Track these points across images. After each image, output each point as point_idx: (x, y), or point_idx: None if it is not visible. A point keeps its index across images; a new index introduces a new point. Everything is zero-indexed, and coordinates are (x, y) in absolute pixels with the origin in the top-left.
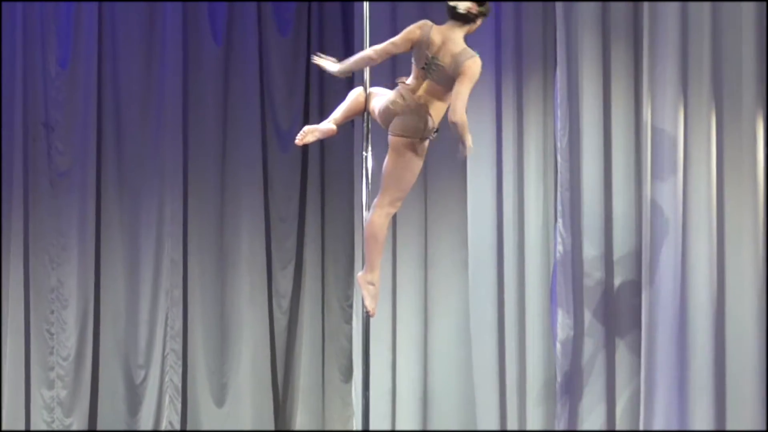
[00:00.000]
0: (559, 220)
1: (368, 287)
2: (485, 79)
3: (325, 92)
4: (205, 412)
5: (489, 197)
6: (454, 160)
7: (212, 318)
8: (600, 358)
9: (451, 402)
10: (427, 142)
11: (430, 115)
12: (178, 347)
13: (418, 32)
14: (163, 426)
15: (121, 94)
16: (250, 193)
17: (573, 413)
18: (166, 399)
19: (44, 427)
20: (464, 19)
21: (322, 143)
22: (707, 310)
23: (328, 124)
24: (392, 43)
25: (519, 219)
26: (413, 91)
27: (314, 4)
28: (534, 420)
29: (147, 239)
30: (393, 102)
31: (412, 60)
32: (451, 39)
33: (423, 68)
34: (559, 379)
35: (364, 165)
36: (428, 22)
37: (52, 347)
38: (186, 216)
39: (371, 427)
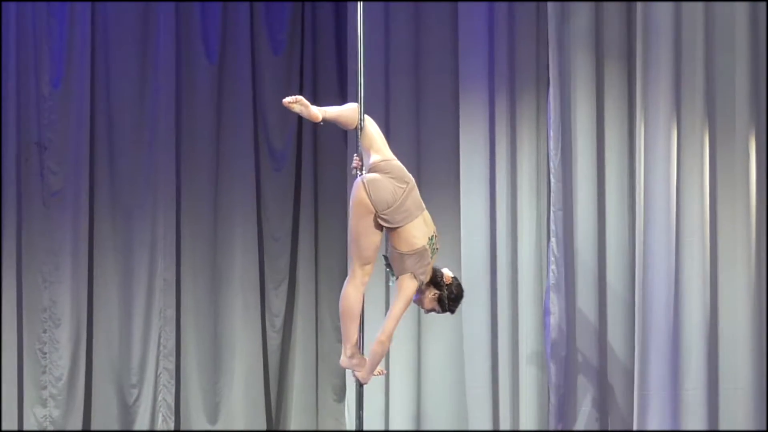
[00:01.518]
0: (552, 240)
1: (352, 363)
2: (478, 98)
3: None
4: (199, 430)
5: (482, 217)
6: (447, 179)
7: (205, 337)
8: (593, 380)
9: (443, 423)
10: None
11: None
12: (171, 366)
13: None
14: None
15: (113, 114)
16: (243, 212)
17: None
18: (159, 418)
19: None
20: (437, 286)
21: (315, 162)
22: (700, 329)
23: (317, 110)
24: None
25: (512, 239)
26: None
27: (307, 23)
28: None
29: (140, 258)
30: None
31: None
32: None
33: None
34: (552, 399)
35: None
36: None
37: (45, 366)
38: (179, 235)
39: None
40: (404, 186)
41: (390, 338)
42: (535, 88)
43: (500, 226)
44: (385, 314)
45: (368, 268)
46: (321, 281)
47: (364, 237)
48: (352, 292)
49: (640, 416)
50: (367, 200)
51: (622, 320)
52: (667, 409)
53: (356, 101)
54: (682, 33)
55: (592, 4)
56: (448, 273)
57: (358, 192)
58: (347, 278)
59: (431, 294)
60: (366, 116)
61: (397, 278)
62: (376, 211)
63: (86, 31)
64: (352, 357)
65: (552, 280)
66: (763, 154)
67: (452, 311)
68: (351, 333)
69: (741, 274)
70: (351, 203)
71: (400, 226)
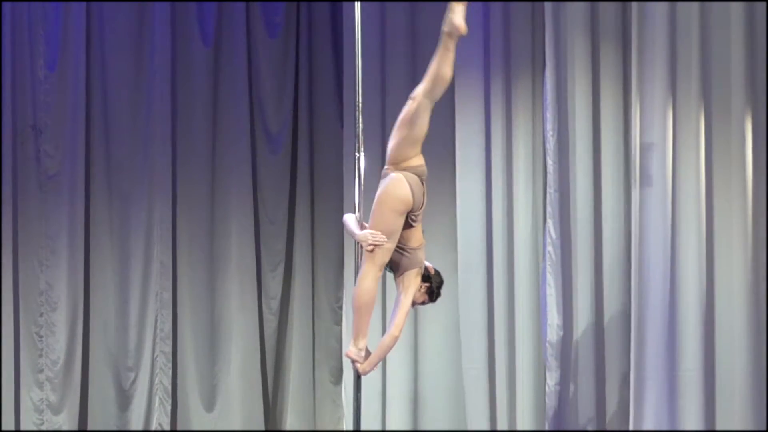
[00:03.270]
0: (549, 222)
1: (361, 355)
2: (474, 81)
3: (314, 94)
4: (195, 414)
5: (478, 199)
6: (443, 162)
7: (202, 320)
8: (589, 359)
9: (440, 403)
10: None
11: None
12: (168, 349)
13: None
14: (154, 427)
15: (109, 97)
16: (239, 195)
17: (562, 413)
18: (156, 401)
19: (34, 429)
20: (425, 279)
21: (311, 145)
22: (696, 310)
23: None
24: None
25: (508, 221)
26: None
27: (303, 6)
28: (524, 420)
29: (136, 242)
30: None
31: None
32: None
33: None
34: (548, 380)
35: (357, 166)
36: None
37: (42, 350)
38: (175, 218)
39: (362, 428)
40: (424, 184)
41: (401, 332)
42: (530, 70)
43: (496, 208)
44: (392, 311)
45: (382, 264)
46: (318, 264)
47: (395, 234)
48: (370, 286)
49: (637, 397)
50: (410, 198)
51: (619, 302)
52: (663, 390)
53: (353, 85)
54: (677, 15)
55: None
56: (429, 264)
57: (400, 190)
58: (361, 273)
59: (422, 288)
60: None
61: (400, 275)
62: (413, 210)
63: (82, 15)
64: (362, 350)
65: (548, 262)
66: (759, 135)
67: (436, 300)
68: (365, 327)
69: (737, 256)
70: (388, 200)
71: (419, 223)
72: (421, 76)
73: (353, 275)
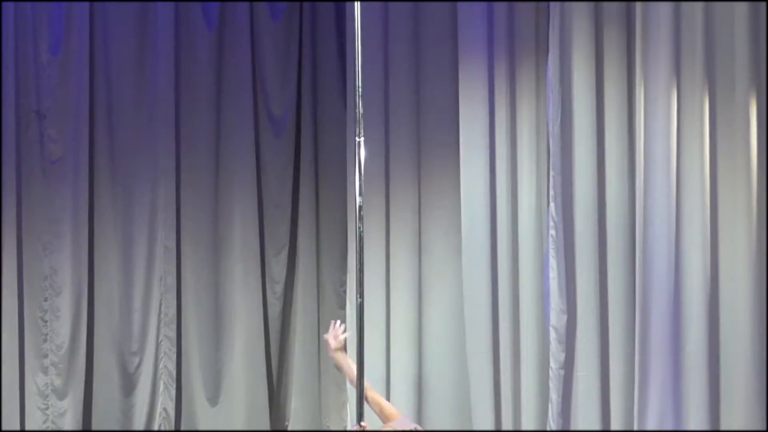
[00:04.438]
0: (552, 205)
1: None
2: (477, 64)
3: (317, 77)
4: (200, 398)
5: (482, 183)
6: (446, 147)
7: (206, 304)
8: (594, 343)
9: (445, 388)
10: None
11: None
12: (172, 334)
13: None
14: (158, 412)
15: (112, 81)
16: (243, 179)
17: (567, 398)
18: (161, 385)
19: (38, 414)
20: None
21: (315, 128)
22: (701, 294)
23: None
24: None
25: (512, 204)
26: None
27: None
28: (529, 406)
29: (140, 226)
30: None
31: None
32: None
33: None
34: (552, 364)
35: (357, 151)
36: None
37: (46, 334)
38: (179, 202)
39: (365, 413)
40: None
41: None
42: (534, 54)
43: (500, 192)
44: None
45: None
46: (322, 248)
47: None
48: None
49: (642, 379)
50: None
51: (623, 284)
52: (668, 372)
53: (354, 69)
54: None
55: None
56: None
57: None
58: None
59: None
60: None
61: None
62: None
63: None
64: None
65: (552, 245)
66: (764, 118)
67: None
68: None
69: (742, 237)
70: None
71: None
72: (424, 59)
73: (357, 259)
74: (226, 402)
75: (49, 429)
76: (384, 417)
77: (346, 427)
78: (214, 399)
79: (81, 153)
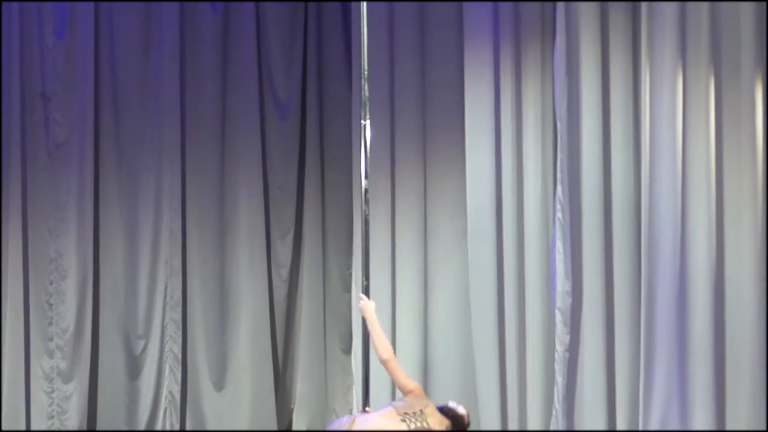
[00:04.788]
0: (559, 188)
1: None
2: (483, 45)
3: (323, 61)
4: (205, 382)
5: (488, 166)
6: (452, 129)
7: (211, 288)
8: (599, 325)
9: (450, 371)
10: None
11: None
12: (178, 317)
13: (424, 394)
14: (164, 395)
15: (118, 64)
16: (248, 162)
17: (572, 381)
18: (167, 369)
19: (44, 398)
20: (460, 424)
21: (321, 112)
22: (707, 277)
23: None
24: (408, 380)
25: (518, 187)
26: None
27: None
28: (534, 389)
29: (146, 210)
30: None
31: (394, 405)
32: (439, 424)
33: (404, 414)
34: (557, 347)
35: (362, 134)
36: (432, 406)
37: (51, 318)
38: (184, 186)
39: (372, 396)
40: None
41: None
42: (540, 36)
43: (506, 175)
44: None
45: None
46: (328, 231)
47: None
48: None
49: (647, 362)
50: None
51: (629, 267)
52: (674, 355)
53: (360, 52)
54: None
55: None
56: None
57: None
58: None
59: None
60: None
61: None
62: None
63: None
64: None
65: (558, 228)
66: None
67: None
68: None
69: (747, 221)
70: None
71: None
72: (429, 42)
73: (363, 242)
74: (232, 385)
75: (55, 411)
76: (404, 389)
77: (351, 410)
78: (219, 382)
79: (86, 136)
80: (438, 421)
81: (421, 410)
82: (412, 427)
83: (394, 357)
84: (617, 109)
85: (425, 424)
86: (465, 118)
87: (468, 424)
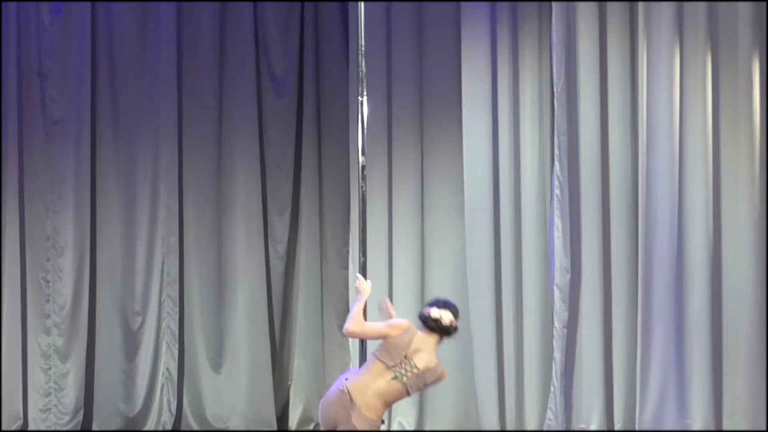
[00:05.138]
0: (556, 164)
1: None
2: (480, 23)
3: (320, 38)
4: (202, 358)
5: (485, 142)
6: (449, 105)
7: (209, 264)
8: (597, 302)
9: (447, 348)
10: None
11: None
12: (175, 294)
13: (404, 328)
14: (161, 372)
15: (114, 42)
16: (245, 139)
17: (570, 358)
18: (164, 346)
19: (41, 375)
20: (446, 332)
21: (317, 88)
22: (704, 253)
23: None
24: (380, 329)
25: (515, 164)
26: (359, 392)
27: None
28: (532, 365)
29: (143, 186)
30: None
31: (377, 356)
32: (429, 349)
33: (392, 366)
34: (555, 322)
35: (359, 110)
36: (413, 327)
37: (48, 295)
38: (181, 163)
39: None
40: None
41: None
42: (537, 13)
43: (503, 151)
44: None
45: None
46: (325, 208)
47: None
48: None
49: (644, 338)
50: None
51: (626, 244)
52: (671, 330)
53: (357, 29)
54: None
55: None
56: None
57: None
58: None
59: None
60: None
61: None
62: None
63: None
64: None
65: (556, 204)
66: (765, 75)
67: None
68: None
69: (744, 197)
70: None
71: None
72: (426, 17)
73: (359, 219)
74: (229, 361)
75: (51, 388)
76: (382, 338)
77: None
78: (216, 358)
79: (83, 113)
80: (426, 348)
81: (405, 355)
82: (405, 380)
83: (360, 324)
84: (614, 86)
85: (415, 369)
86: (462, 95)
87: (453, 325)
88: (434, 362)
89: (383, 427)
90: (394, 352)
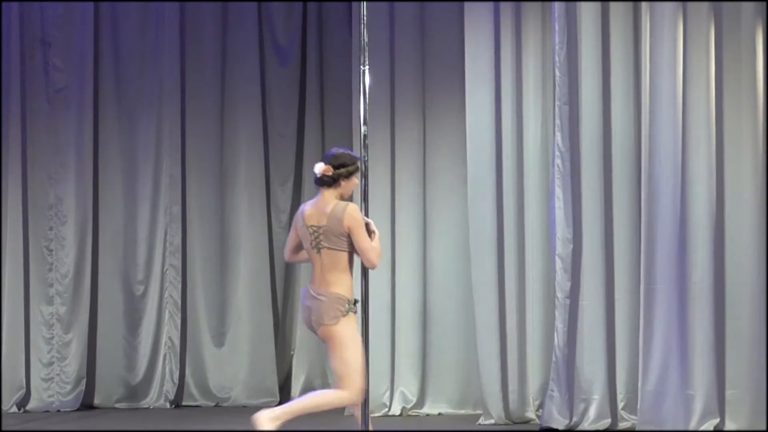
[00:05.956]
0: (558, 134)
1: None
2: None
3: (323, 6)
4: (204, 328)
5: (488, 112)
6: (452, 76)
7: (211, 233)
8: (599, 272)
9: (450, 317)
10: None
11: (340, 296)
12: (177, 263)
13: (295, 221)
14: (163, 341)
15: (118, 10)
16: (248, 108)
17: (573, 328)
18: (166, 314)
19: (43, 344)
20: (324, 183)
21: (321, 57)
22: (707, 224)
23: None
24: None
25: (518, 134)
26: (315, 282)
27: None
28: (534, 335)
29: (145, 155)
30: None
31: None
32: (322, 202)
33: (313, 246)
34: (557, 293)
35: (361, 79)
36: (300, 209)
37: (51, 264)
38: (184, 132)
39: (372, 342)
40: None
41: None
42: None
43: (506, 122)
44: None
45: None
46: None
47: (355, 344)
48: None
49: (647, 308)
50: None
51: (628, 214)
52: (673, 300)
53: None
54: None
55: None
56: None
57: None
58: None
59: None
60: None
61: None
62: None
63: None
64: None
65: (557, 174)
66: None
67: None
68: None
69: (747, 167)
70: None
71: None
72: None
73: (362, 188)
74: (232, 331)
75: (54, 358)
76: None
77: None
78: (219, 328)
79: (86, 82)
80: (317, 206)
81: (309, 230)
82: (323, 243)
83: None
84: (617, 56)
85: (318, 229)
86: (465, 65)
87: (328, 173)
88: (329, 209)
89: (386, 401)
90: (304, 238)
